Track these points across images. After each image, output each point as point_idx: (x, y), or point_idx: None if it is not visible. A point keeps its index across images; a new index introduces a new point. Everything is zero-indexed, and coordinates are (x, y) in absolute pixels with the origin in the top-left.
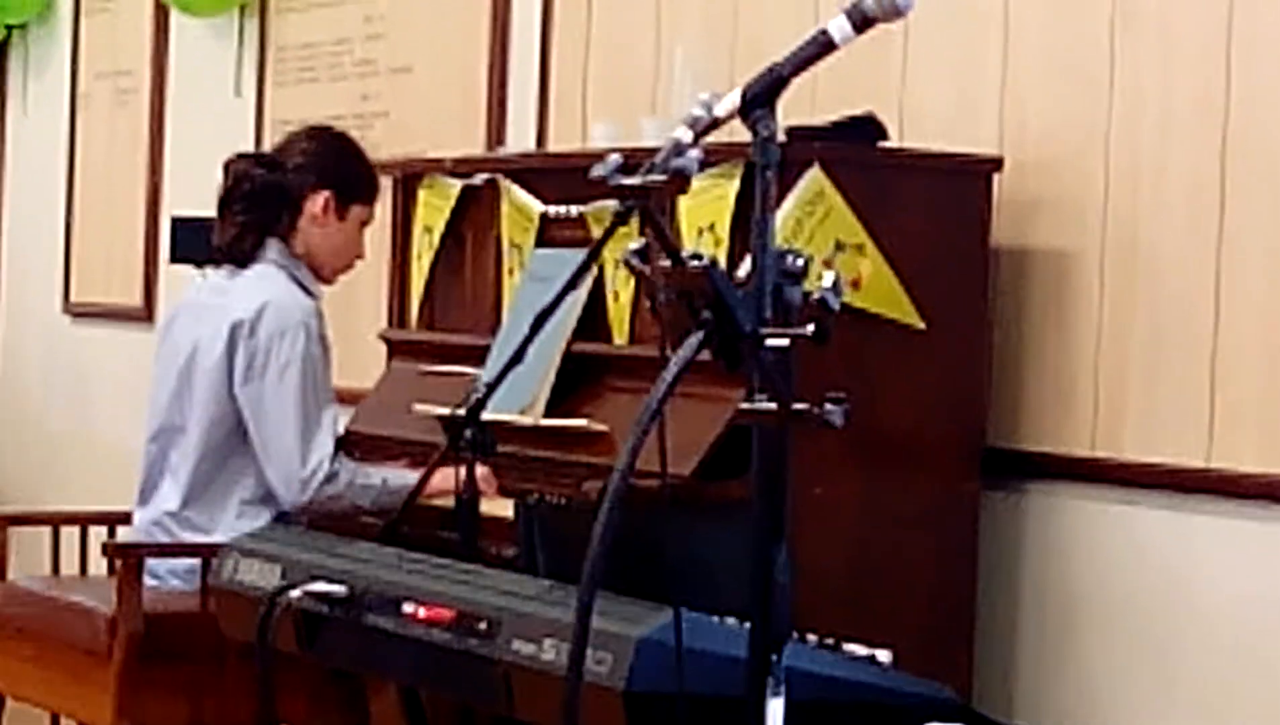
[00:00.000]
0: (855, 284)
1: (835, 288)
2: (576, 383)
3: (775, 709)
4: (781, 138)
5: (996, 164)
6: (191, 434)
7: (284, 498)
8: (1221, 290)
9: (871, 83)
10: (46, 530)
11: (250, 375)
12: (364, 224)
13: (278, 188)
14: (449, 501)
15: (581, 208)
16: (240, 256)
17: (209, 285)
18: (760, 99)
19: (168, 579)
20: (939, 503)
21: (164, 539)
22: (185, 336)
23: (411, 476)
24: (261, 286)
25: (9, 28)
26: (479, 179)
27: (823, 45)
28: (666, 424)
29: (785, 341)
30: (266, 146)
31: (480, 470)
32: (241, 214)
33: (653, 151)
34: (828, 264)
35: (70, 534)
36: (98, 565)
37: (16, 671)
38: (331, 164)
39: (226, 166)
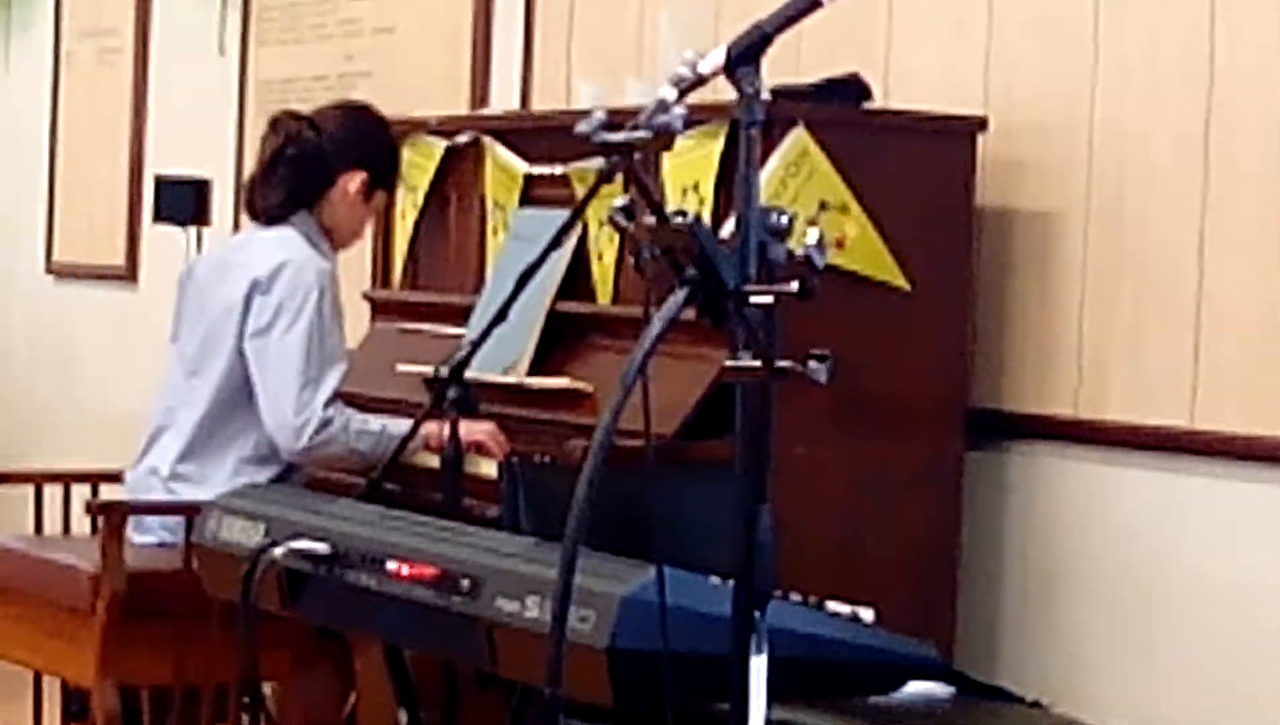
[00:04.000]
0: (839, 244)
1: (820, 245)
2: (560, 342)
3: (759, 667)
4: (766, 97)
5: (981, 125)
6: (203, 389)
7: (281, 446)
8: (1206, 252)
9: (856, 43)
10: (29, 489)
11: (259, 329)
12: (378, 211)
13: (321, 157)
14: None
15: (565, 167)
16: (271, 218)
17: (234, 241)
18: (745, 56)
19: (156, 530)
20: (922, 463)
21: (157, 490)
22: (214, 295)
23: (409, 424)
24: (281, 246)
25: None
26: (463, 138)
27: (808, 3)
28: (650, 383)
29: (770, 298)
30: (250, 106)
31: (488, 426)
32: (285, 179)
33: (637, 111)
34: (812, 223)
35: (53, 493)
36: (81, 524)
37: (0, 630)
38: (373, 147)
39: (275, 122)
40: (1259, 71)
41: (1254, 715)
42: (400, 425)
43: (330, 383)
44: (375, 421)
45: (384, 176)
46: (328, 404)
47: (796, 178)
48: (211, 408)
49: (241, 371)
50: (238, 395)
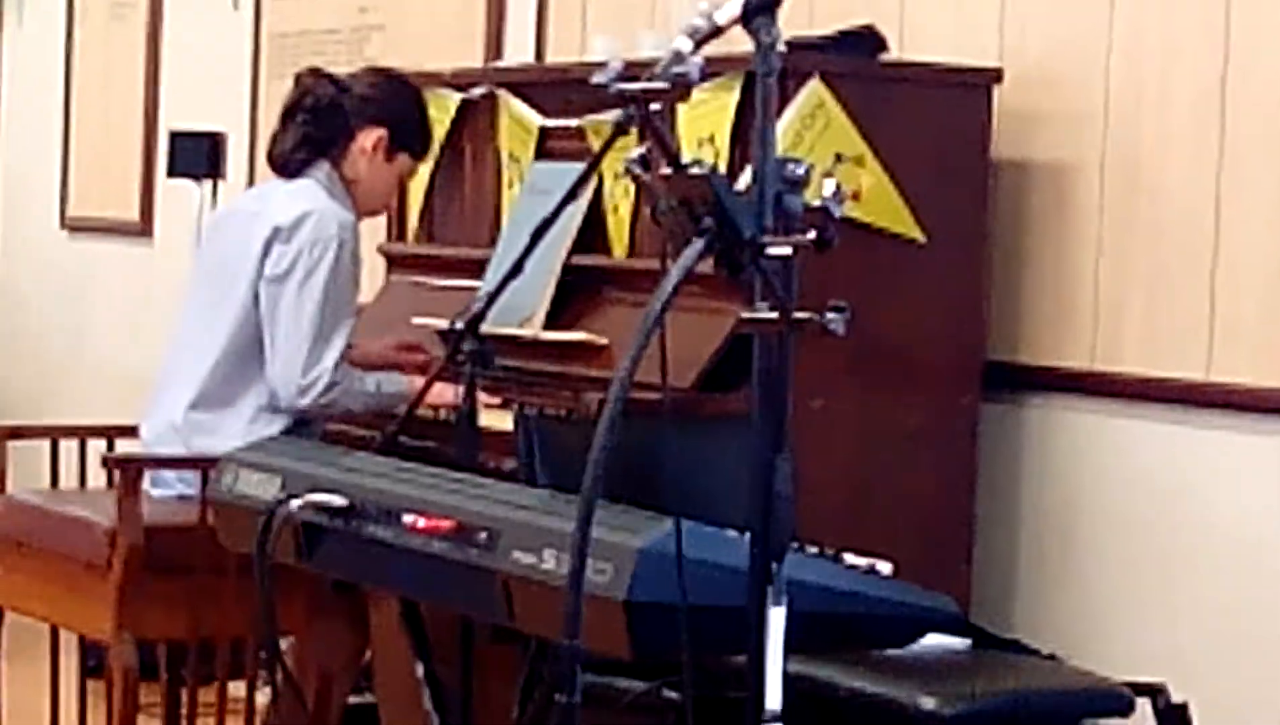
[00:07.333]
0: (855, 196)
1: (837, 196)
2: (575, 295)
3: (776, 619)
4: (781, 49)
5: (997, 76)
6: (217, 335)
7: (281, 397)
8: (1222, 204)
9: None
10: (45, 444)
11: (276, 275)
12: (404, 176)
13: (339, 109)
14: (443, 413)
15: (581, 120)
16: (290, 168)
17: (254, 192)
18: (762, 6)
19: (173, 483)
20: (939, 416)
21: (174, 442)
22: (231, 243)
23: (404, 381)
24: (304, 196)
25: None
26: (478, 91)
27: None
28: (667, 335)
29: (787, 249)
30: (264, 60)
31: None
32: (301, 126)
33: (652, 64)
34: (828, 175)
35: (69, 447)
36: (96, 478)
37: (16, 585)
38: (394, 106)
39: (297, 78)
40: (1277, 22)
41: (1269, 665)
42: (394, 382)
43: (340, 341)
44: (370, 380)
45: (406, 138)
46: (337, 365)
47: (812, 130)
48: (225, 355)
49: (256, 319)
50: (253, 345)
